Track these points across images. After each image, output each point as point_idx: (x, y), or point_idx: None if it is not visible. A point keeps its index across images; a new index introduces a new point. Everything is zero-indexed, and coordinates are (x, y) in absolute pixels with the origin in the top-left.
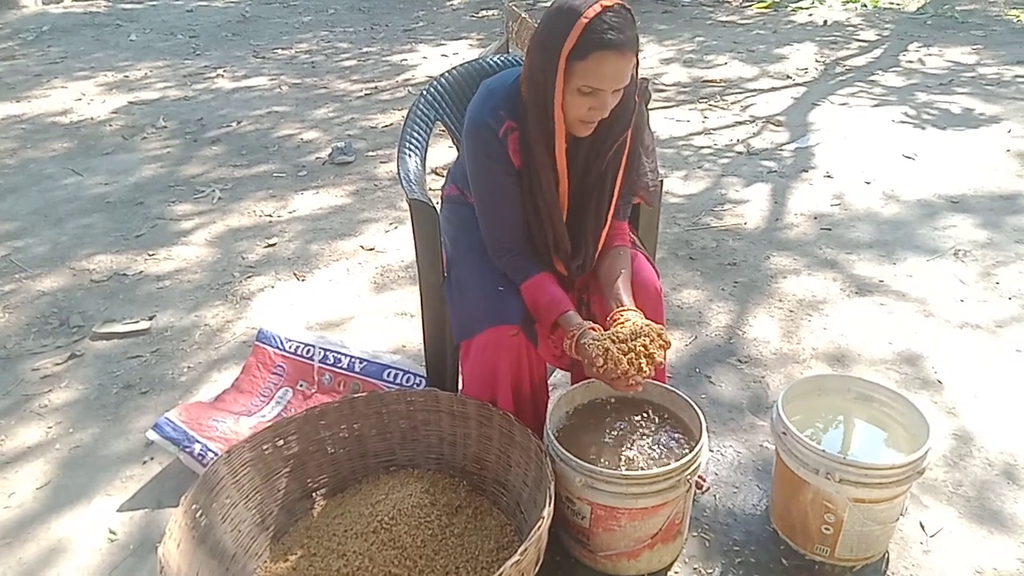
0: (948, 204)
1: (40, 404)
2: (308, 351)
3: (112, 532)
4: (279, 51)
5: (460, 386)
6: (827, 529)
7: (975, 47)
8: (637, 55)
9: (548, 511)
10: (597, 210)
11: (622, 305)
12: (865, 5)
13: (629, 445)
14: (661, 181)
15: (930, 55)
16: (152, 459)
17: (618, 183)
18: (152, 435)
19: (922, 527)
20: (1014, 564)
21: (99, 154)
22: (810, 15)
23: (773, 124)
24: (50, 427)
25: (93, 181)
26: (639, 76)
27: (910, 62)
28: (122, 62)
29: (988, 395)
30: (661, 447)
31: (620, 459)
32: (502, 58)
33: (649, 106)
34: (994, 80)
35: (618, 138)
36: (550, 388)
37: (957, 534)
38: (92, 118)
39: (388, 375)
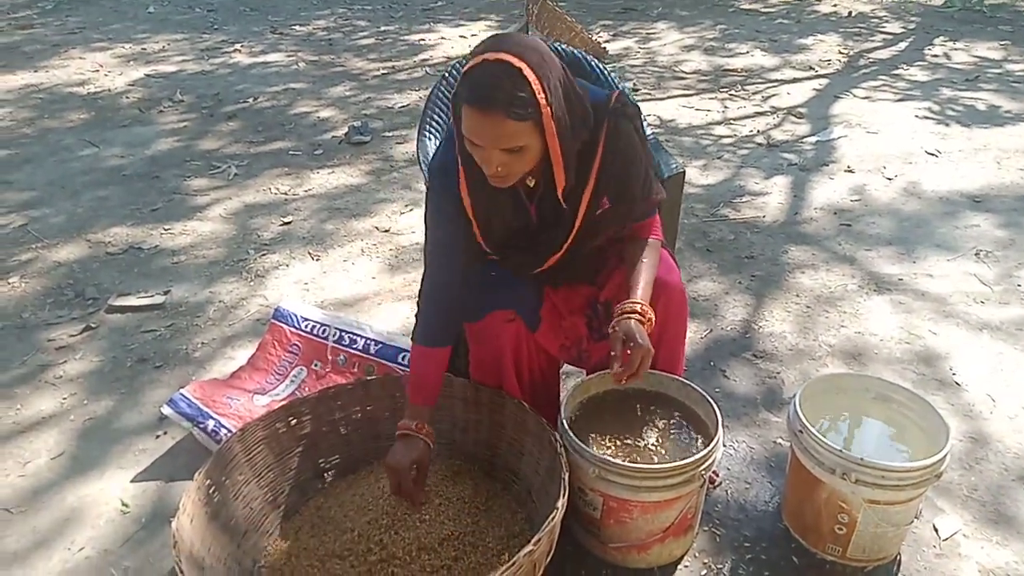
0: (970, 203)
1: (55, 375)
2: (324, 331)
3: (124, 504)
4: (296, 27)
5: None
6: (840, 529)
7: (1003, 43)
8: (530, 118)
9: (562, 502)
10: (549, 242)
11: (628, 296)
12: None
13: (643, 437)
14: (661, 197)
15: (956, 50)
16: (165, 433)
17: (576, 226)
18: (166, 410)
19: (935, 530)
20: None
21: (116, 126)
22: (834, 5)
23: (794, 116)
24: (65, 398)
25: (109, 153)
26: (614, 101)
27: (935, 56)
28: (140, 34)
29: (1006, 399)
30: (676, 441)
31: (634, 451)
32: None
33: (653, 100)
34: (1021, 77)
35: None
36: (563, 377)
37: (971, 538)
38: (109, 90)
39: (403, 358)
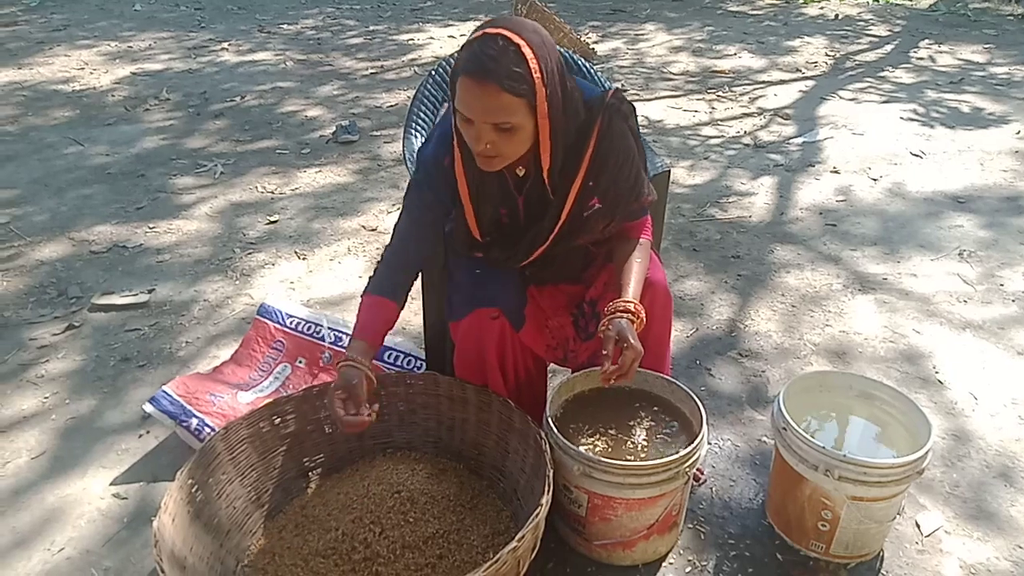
0: (954, 203)
1: (37, 374)
2: (309, 328)
3: (107, 504)
4: (284, 26)
5: None
6: (823, 526)
7: (986, 46)
8: (524, 96)
9: (546, 499)
10: (535, 237)
11: (619, 295)
12: (877, 0)
13: (629, 435)
14: (650, 197)
15: (941, 52)
16: (148, 432)
17: (561, 220)
18: (149, 408)
19: (918, 526)
20: (1006, 565)
21: (101, 124)
22: (821, 8)
23: (781, 117)
24: (46, 397)
25: (94, 151)
26: (610, 97)
27: (920, 59)
28: (126, 32)
29: (988, 397)
30: (661, 438)
31: (619, 449)
32: None
33: (647, 100)
34: (1004, 80)
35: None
36: (549, 375)
37: (952, 534)
38: (95, 87)
39: (389, 357)
